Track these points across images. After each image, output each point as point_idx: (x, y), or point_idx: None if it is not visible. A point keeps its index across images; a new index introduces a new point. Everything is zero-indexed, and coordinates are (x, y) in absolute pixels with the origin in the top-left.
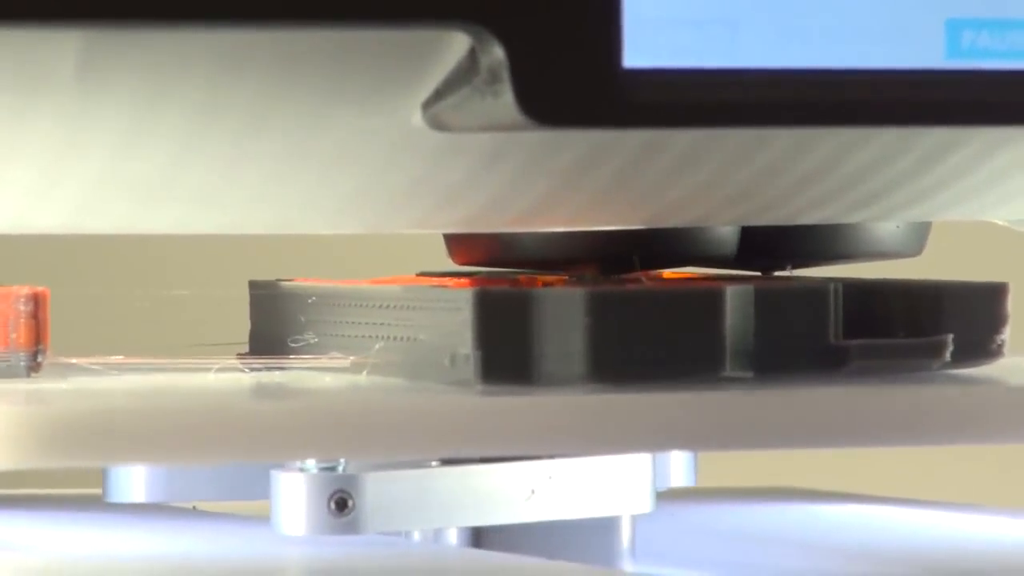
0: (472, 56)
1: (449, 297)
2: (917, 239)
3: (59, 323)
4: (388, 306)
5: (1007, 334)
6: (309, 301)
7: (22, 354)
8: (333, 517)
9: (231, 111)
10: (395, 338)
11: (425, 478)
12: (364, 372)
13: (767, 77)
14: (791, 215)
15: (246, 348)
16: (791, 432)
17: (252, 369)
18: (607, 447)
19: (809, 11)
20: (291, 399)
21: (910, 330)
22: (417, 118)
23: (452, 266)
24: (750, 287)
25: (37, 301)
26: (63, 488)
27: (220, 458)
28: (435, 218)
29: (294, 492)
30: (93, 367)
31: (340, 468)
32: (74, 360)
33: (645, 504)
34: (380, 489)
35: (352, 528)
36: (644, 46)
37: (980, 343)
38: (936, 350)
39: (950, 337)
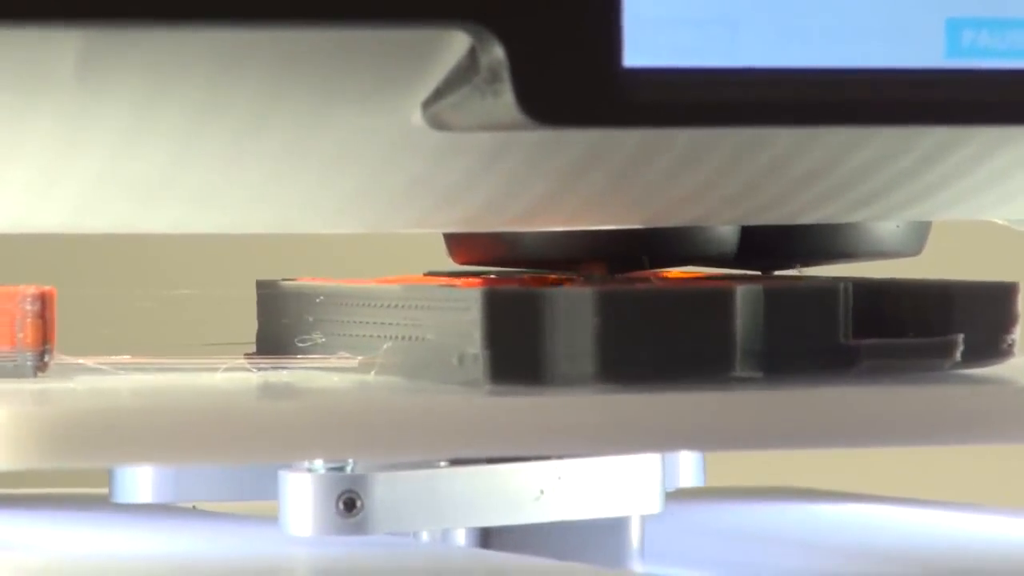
0: (472, 55)
1: (457, 297)
2: (917, 239)
3: (66, 323)
4: (396, 306)
5: (1017, 334)
6: (316, 301)
7: (29, 354)
8: (341, 517)
9: (231, 111)
10: (403, 338)
11: (434, 478)
12: (372, 372)
13: (767, 77)
14: (791, 215)
15: (253, 348)
16: (801, 432)
17: (259, 369)
18: (616, 447)
19: (809, 11)
20: (299, 399)
21: (920, 330)
22: (417, 117)
23: (459, 266)
24: (760, 287)
25: (44, 301)
26: (70, 488)
27: (227, 458)
28: (435, 217)
29: (302, 492)
30: (100, 367)
31: (348, 468)
32: (81, 360)
33: (654, 504)
34: (388, 489)
35: (360, 528)
36: (644, 45)
37: (990, 343)
38: (946, 350)
39: (960, 337)
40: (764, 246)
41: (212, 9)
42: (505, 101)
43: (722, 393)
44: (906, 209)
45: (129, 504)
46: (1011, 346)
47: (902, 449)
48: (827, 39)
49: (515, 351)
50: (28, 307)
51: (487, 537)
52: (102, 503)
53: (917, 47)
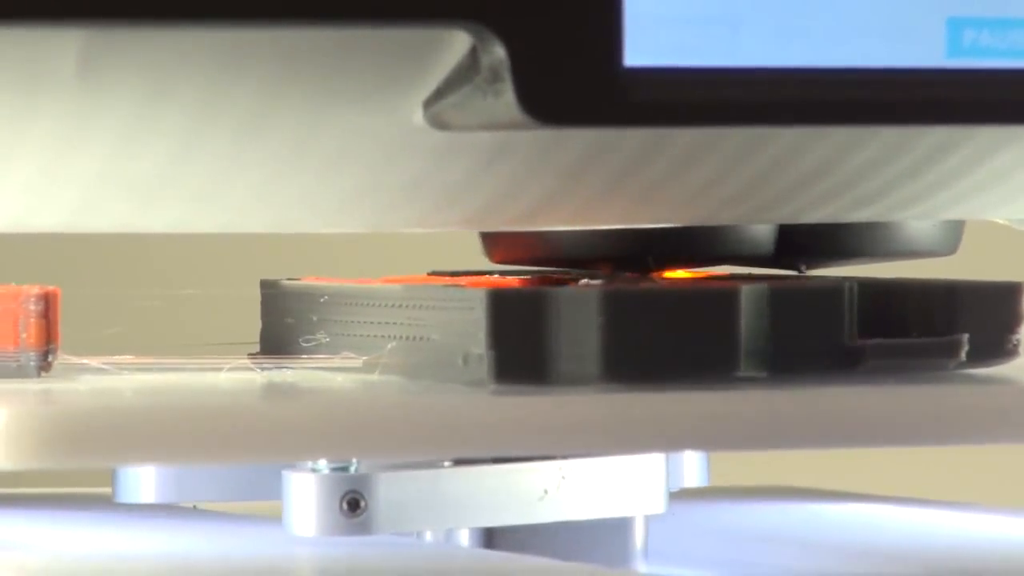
0: (473, 55)
1: (462, 296)
2: (952, 238)
3: (69, 323)
4: (400, 305)
5: (1022, 334)
6: (321, 300)
7: (32, 354)
8: (345, 517)
9: (232, 110)
10: (407, 338)
11: (437, 478)
12: (376, 372)
13: (768, 76)
14: (792, 214)
15: (257, 348)
16: (805, 432)
17: (263, 369)
18: (620, 447)
19: (810, 10)
20: (302, 399)
21: (925, 330)
22: (418, 117)
23: (463, 265)
24: (765, 287)
25: (47, 301)
26: (72, 488)
27: (231, 458)
28: (436, 217)
29: (306, 492)
30: (103, 367)
31: (352, 468)
32: (84, 360)
33: (658, 504)
34: (392, 489)
35: (364, 529)
36: (645, 45)
37: (996, 343)
38: (952, 350)
39: (965, 337)
40: (801, 245)
41: (212, 9)
42: (506, 101)
43: (726, 393)
44: (907, 208)
45: (132, 504)
46: (1016, 346)
47: (907, 449)
48: (828, 39)
49: (520, 351)
50: (32, 307)
51: (491, 537)
52: (105, 503)
53: (918, 47)
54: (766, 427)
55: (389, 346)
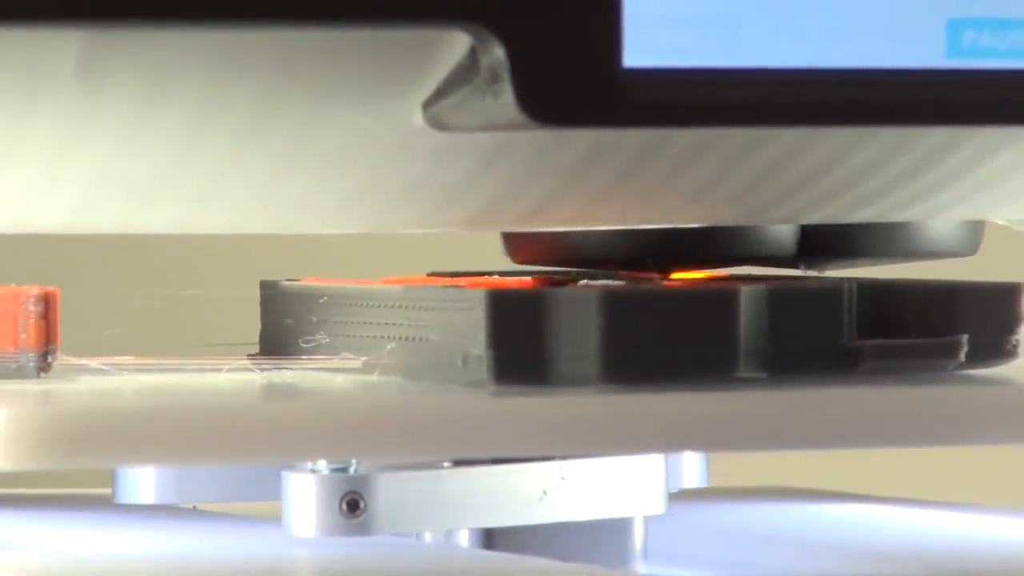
0: (472, 56)
1: (462, 297)
2: (973, 238)
3: (69, 323)
4: (400, 306)
5: (1022, 334)
6: (320, 301)
7: (32, 355)
8: (344, 518)
9: (231, 111)
10: (407, 338)
11: (437, 479)
12: (376, 373)
13: (767, 77)
14: (791, 214)
15: (256, 349)
16: (805, 433)
17: (263, 370)
18: (620, 448)
19: (809, 11)
20: (302, 400)
21: (924, 330)
22: (417, 118)
23: (463, 266)
24: (764, 288)
25: (47, 301)
26: (72, 489)
27: (230, 459)
28: (436, 217)
29: (305, 493)
30: (103, 368)
31: (351, 469)
32: (84, 361)
33: (657, 505)
34: (392, 490)
35: (363, 529)
36: (644, 45)
37: (995, 343)
38: (951, 350)
39: (965, 338)
40: (822, 246)
41: (212, 9)
42: (505, 101)
43: (726, 394)
44: (907, 209)
45: (132, 505)
46: (1015, 346)
47: (906, 450)
48: (828, 39)
49: (519, 352)
50: (31, 308)
51: (490, 538)
52: (105, 504)
53: (918, 47)
54: (765, 428)
55: (389, 347)
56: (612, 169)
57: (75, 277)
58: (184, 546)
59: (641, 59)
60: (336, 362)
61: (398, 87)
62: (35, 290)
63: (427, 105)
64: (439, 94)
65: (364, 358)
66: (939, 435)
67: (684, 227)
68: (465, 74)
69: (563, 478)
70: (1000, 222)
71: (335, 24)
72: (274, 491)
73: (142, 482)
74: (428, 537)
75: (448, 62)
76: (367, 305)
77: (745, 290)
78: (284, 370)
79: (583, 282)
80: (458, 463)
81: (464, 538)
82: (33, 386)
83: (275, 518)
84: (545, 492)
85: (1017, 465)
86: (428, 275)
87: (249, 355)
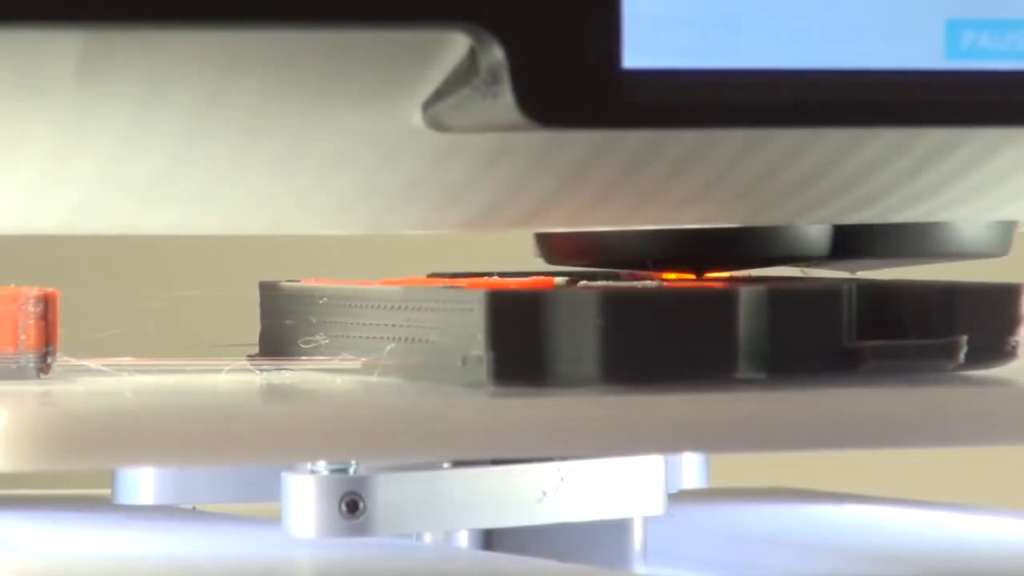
0: (472, 57)
1: (461, 298)
2: (1003, 239)
3: (69, 324)
4: (400, 307)
5: (1022, 335)
6: (320, 302)
7: (32, 355)
8: (344, 519)
9: (231, 112)
10: (407, 339)
11: (436, 480)
12: (375, 373)
13: (767, 78)
14: (791, 215)
15: (256, 350)
16: (805, 434)
17: (262, 370)
18: (619, 449)
19: (809, 12)
20: (302, 401)
21: (924, 331)
22: (417, 119)
23: (462, 267)
24: (763, 289)
25: (47, 302)
26: (72, 489)
27: (230, 460)
28: (436, 218)
29: (305, 494)
30: (103, 369)
31: (351, 470)
32: (84, 362)
33: (657, 506)
34: (391, 491)
35: (363, 530)
36: (644, 46)
37: (995, 344)
38: (951, 351)
39: (965, 338)
40: (855, 247)
41: (212, 10)
42: (505, 102)
43: (725, 395)
44: (906, 210)
45: (131, 505)
46: (1015, 347)
47: (906, 450)
48: (827, 40)
49: (519, 353)
50: (31, 309)
51: (490, 539)
52: (104, 504)
53: (917, 48)
54: (765, 428)
55: (388, 348)
56: (611, 170)
57: (75, 278)
58: (184, 547)
59: (641, 60)
60: (336, 363)
61: (398, 88)
62: (35, 291)
63: (427, 106)
64: (439, 95)
65: (364, 359)
66: (939, 436)
67: (718, 228)
68: (465, 75)
69: (563, 479)
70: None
71: (335, 25)
72: (274, 492)
73: (142, 483)
74: (428, 538)
75: (448, 63)
76: (367, 306)
77: (744, 291)
78: (283, 371)
79: (582, 283)
80: (458, 464)
81: (463, 539)
82: (33, 387)
83: (274, 519)
84: (544, 493)
85: (1017, 466)
86: (428, 276)
87: (249, 356)
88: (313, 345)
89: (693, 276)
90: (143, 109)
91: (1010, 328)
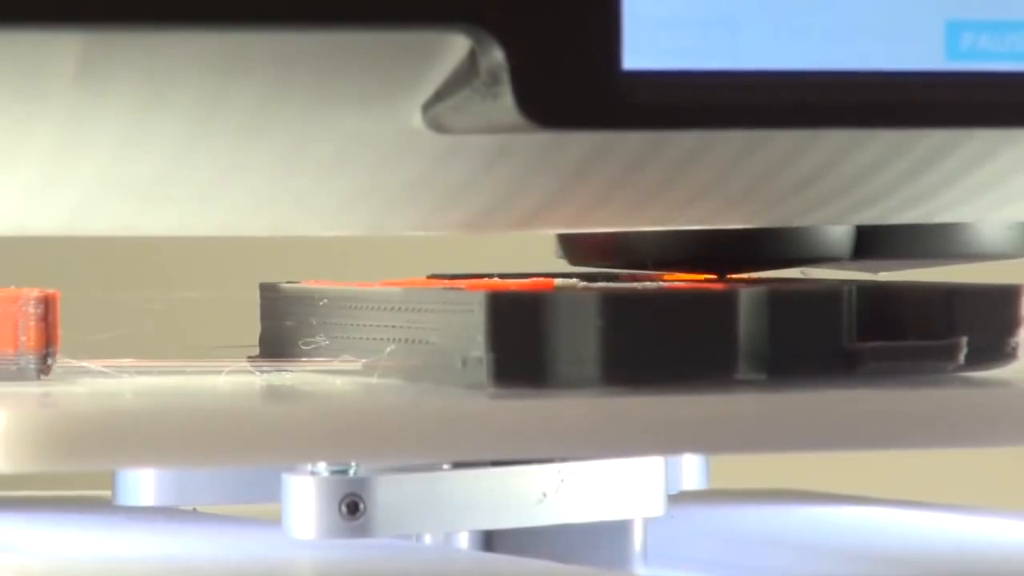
0: (472, 58)
1: (461, 299)
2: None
3: (69, 326)
4: (400, 308)
5: (1022, 336)
6: (320, 303)
7: (32, 357)
8: (344, 520)
9: (231, 113)
10: (407, 341)
11: (437, 481)
12: (375, 375)
13: (767, 79)
14: (791, 216)
15: (256, 351)
16: (805, 435)
17: (262, 372)
18: (619, 450)
19: (809, 13)
20: (302, 402)
21: (924, 332)
22: (417, 120)
23: (463, 268)
24: (763, 290)
25: (47, 304)
26: (72, 491)
27: (230, 461)
28: (436, 219)
29: (305, 495)
30: (103, 370)
31: (351, 471)
32: (84, 363)
33: (657, 507)
34: (391, 492)
35: (363, 531)
36: (644, 47)
37: (995, 346)
38: (951, 353)
39: (965, 340)
40: (878, 247)
41: (212, 11)
42: (504, 104)
43: (725, 396)
44: (906, 211)
45: (132, 507)
46: (1015, 349)
47: (906, 452)
48: (827, 41)
49: (519, 354)
50: (31, 310)
51: (490, 540)
52: (105, 506)
53: (917, 49)
54: (765, 430)
55: (388, 349)
56: (612, 171)
57: (75, 279)
58: (184, 548)
59: (641, 61)
60: (336, 364)
61: (397, 89)
62: (35, 292)
63: (426, 107)
64: (438, 96)
65: (364, 360)
66: (939, 437)
67: (739, 229)
68: (464, 76)
69: (563, 480)
70: None
71: (334, 27)
72: (274, 493)
73: (142, 484)
74: (428, 539)
75: (447, 64)
76: (367, 307)
77: (744, 292)
78: (284, 372)
79: (582, 284)
80: (458, 465)
81: (464, 540)
82: (33, 388)
83: (275, 520)
84: (545, 494)
85: (1017, 467)
86: (428, 277)
87: (249, 357)
88: (313, 346)
89: (715, 277)
90: (143, 111)
91: (1010, 329)
